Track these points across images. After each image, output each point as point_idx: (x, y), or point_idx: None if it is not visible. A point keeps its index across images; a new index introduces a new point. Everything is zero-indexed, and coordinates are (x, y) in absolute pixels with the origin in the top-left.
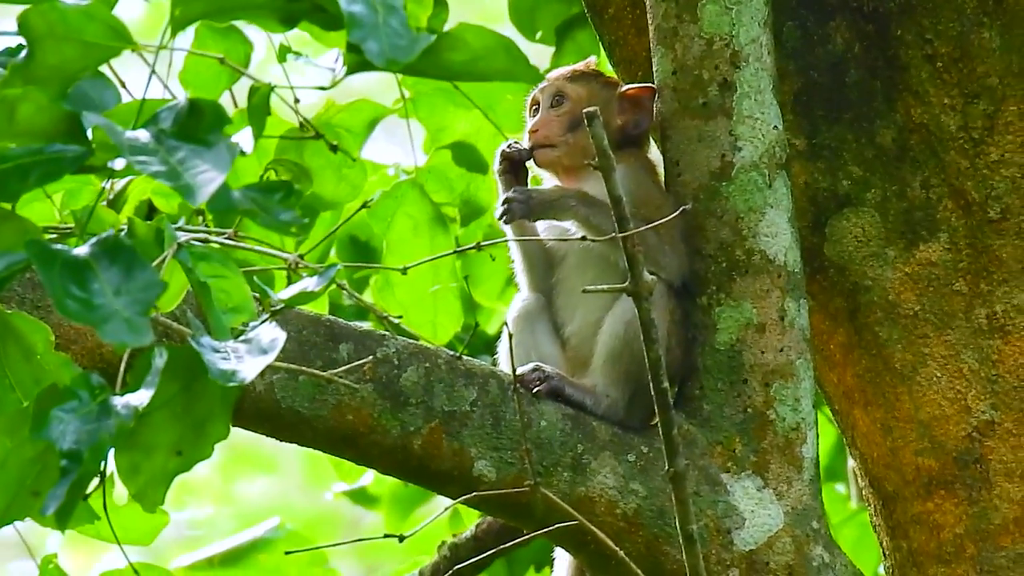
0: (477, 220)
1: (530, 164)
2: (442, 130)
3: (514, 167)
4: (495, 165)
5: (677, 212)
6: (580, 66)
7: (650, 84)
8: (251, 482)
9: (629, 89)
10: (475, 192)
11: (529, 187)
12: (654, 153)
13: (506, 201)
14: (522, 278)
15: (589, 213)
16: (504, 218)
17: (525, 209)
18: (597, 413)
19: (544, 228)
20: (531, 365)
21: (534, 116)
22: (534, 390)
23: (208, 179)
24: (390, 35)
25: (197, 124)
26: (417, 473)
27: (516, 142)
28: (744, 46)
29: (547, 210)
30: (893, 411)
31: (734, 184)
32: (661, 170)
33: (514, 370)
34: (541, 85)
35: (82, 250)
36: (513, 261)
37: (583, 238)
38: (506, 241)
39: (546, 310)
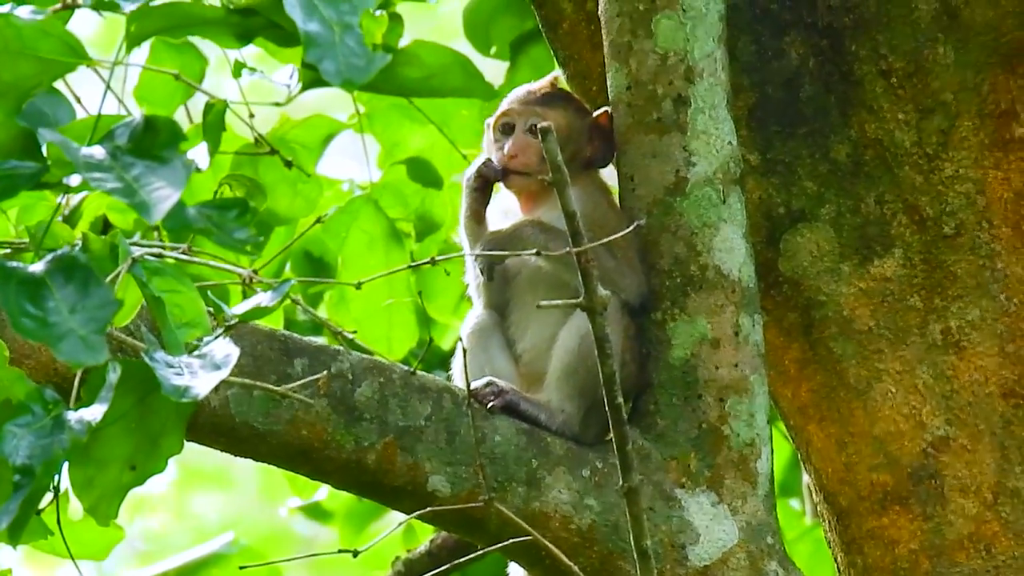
0: (432, 235)
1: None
2: (397, 145)
3: (486, 185)
4: (468, 180)
5: (631, 228)
6: (548, 86)
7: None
8: (205, 497)
9: (599, 116)
10: (430, 207)
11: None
12: (608, 172)
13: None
14: (476, 294)
15: (547, 240)
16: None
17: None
18: (551, 428)
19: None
20: (485, 380)
21: (505, 135)
22: (488, 405)
23: (163, 196)
24: (346, 54)
25: (152, 141)
26: (371, 488)
27: (491, 161)
28: (698, 61)
29: (507, 246)
30: (848, 426)
31: (688, 199)
32: (615, 189)
33: (468, 385)
34: (511, 105)
35: (37, 267)
36: (467, 274)
37: (537, 252)
38: (460, 256)
39: (500, 326)
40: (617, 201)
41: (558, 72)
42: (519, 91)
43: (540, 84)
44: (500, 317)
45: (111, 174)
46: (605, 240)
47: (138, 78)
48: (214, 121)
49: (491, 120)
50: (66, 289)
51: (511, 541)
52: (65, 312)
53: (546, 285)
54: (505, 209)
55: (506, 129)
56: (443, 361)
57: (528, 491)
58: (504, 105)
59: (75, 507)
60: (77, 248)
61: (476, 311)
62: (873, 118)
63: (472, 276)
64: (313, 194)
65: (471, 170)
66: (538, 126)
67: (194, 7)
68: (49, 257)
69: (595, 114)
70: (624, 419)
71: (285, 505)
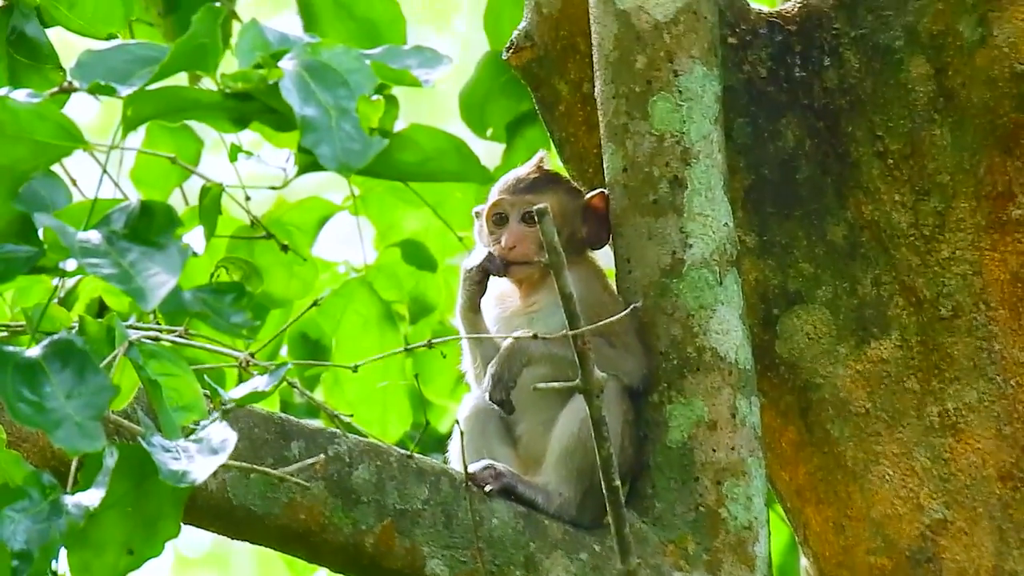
0: (426, 317)
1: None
2: (391, 228)
3: (485, 278)
4: (468, 273)
5: (627, 310)
6: (535, 169)
7: (603, 192)
8: None
9: (593, 198)
10: (424, 290)
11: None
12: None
13: (492, 383)
14: (473, 380)
15: (547, 349)
16: (493, 396)
17: (504, 387)
18: (549, 511)
19: (494, 325)
20: (483, 463)
21: (499, 226)
22: (486, 488)
23: (160, 283)
24: (343, 139)
25: (148, 226)
26: (369, 571)
27: (493, 256)
28: (695, 143)
29: (515, 367)
30: (845, 509)
31: (684, 281)
32: (610, 271)
33: (466, 468)
34: (502, 196)
35: (34, 352)
36: (463, 360)
37: (535, 336)
38: (457, 339)
39: (495, 411)
40: (613, 284)
41: (543, 153)
42: (508, 178)
43: (527, 168)
44: None
45: (107, 260)
46: (602, 323)
47: (134, 161)
48: (210, 204)
49: (482, 209)
50: (63, 374)
51: None
52: (62, 398)
53: (544, 369)
54: (501, 294)
55: (499, 220)
56: (439, 443)
57: (526, 574)
58: (494, 195)
59: None
60: (74, 332)
61: (473, 394)
62: (869, 199)
63: (469, 363)
64: (309, 276)
65: (471, 263)
66: (534, 208)
67: (190, 92)
68: (46, 341)
69: (589, 195)
70: (621, 502)
71: None
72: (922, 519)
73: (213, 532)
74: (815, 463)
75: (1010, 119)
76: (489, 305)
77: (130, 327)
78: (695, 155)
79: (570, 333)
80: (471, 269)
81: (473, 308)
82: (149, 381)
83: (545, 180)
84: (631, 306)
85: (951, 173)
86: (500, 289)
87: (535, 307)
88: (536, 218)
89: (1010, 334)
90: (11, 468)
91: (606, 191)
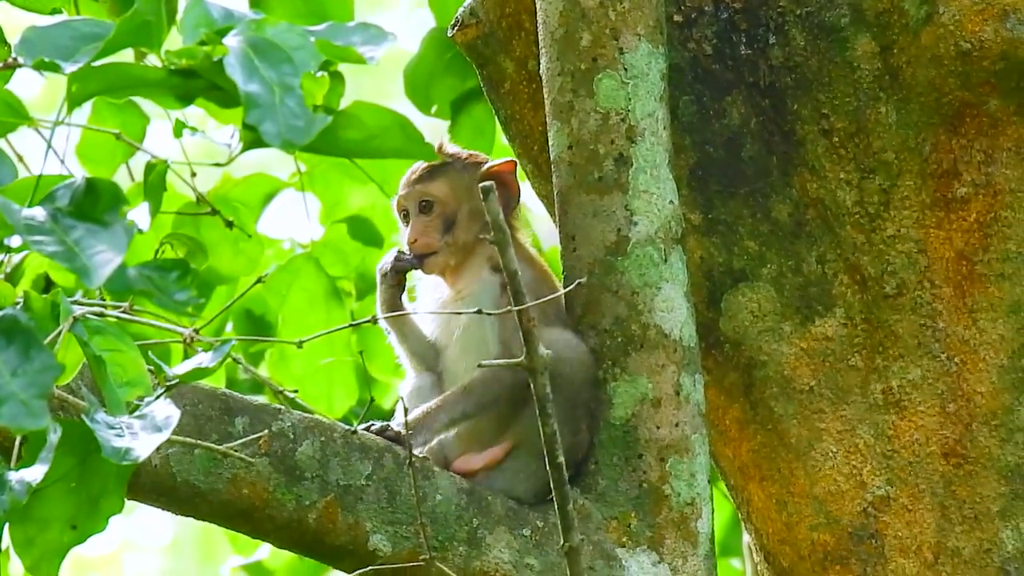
0: (373, 294)
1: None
2: (338, 204)
3: (400, 277)
4: (382, 275)
5: (572, 286)
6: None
7: (511, 158)
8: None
9: (491, 167)
10: (371, 266)
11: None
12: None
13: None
14: (407, 364)
15: (455, 411)
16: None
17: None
18: (492, 488)
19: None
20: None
21: (405, 222)
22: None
23: (105, 260)
24: (287, 116)
25: (94, 203)
26: (312, 547)
27: (403, 252)
28: (640, 120)
29: (432, 431)
30: (788, 486)
31: (629, 259)
32: (533, 251)
33: (409, 445)
34: (401, 191)
35: None
36: (396, 349)
37: (479, 310)
38: (403, 314)
39: (437, 388)
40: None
41: (444, 138)
42: (407, 172)
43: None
44: (437, 380)
45: (52, 237)
46: (548, 299)
47: (80, 137)
48: (155, 181)
49: (394, 204)
50: (7, 352)
51: None
52: (7, 375)
53: (476, 355)
54: (433, 283)
55: (405, 216)
56: (384, 420)
57: (469, 550)
58: (399, 191)
59: (16, 566)
60: (19, 308)
61: (411, 375)
62: (815, 178)
63: (398, 349)
64: (254, 253)
65: (385, 263)
66: (480, 186)
67: (135, 68)
68: None
69: (490, 164)
70: (565, 479)
71: (227, 564)
72: (865, 496)
73: (156, 507)
74: (759, 440)
75: (955, 97)
76: (424, 295)
77: (75, 303)
78: (640, 133)
79: (515, 309)
80: (385, 272)
81: (393, 308)
82: (94, 357)
83: (438, 167)
84: (576, 282)
85: (896, 151)
86: (433, 280)
87: (464, 292)
88: (483, 196)
89: (954, 312)
90: None
91: (509, 159)
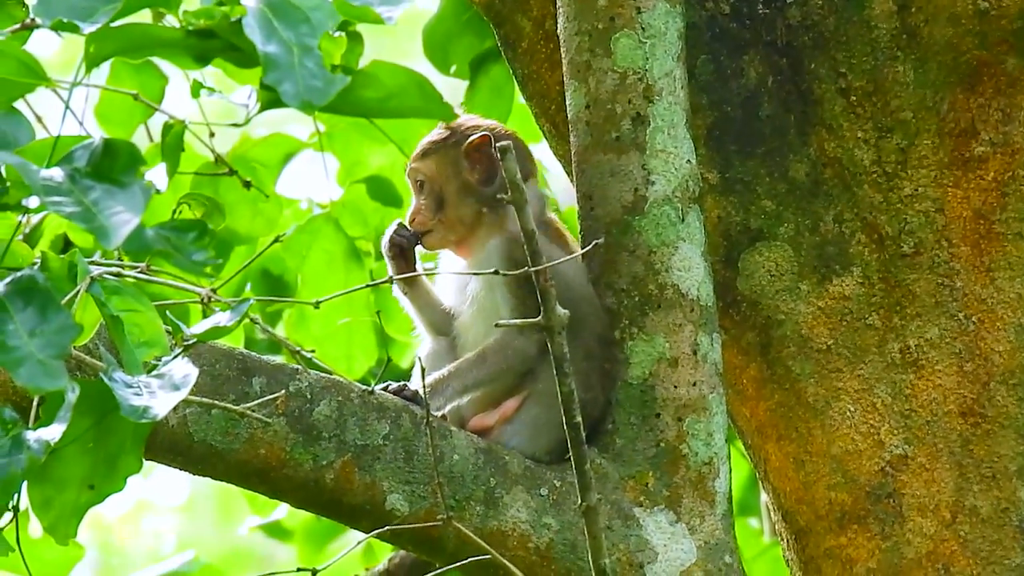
0: None
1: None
2: (357, 164)
3: (403, 252)
4: (384, 249)
5: (590, 246)
6: (432, 135)
7: (485, 132)
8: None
9: (471, 142)
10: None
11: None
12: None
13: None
14: (423, 331)
15: (468, 378)
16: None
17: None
18: (510, 447)
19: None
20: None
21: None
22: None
23: (122, 221)
24: (305, 76)
25: (112, 164)
26: (329, 507)
27: (403, 226)
28: (657, 80)
29: (445, 397)
30: (806, 445)
31: (647, 218)
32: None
33: (426, 404)
34: (407, 167)
35: None
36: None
37: (496, 272)
38: (421, 275)
39: (451, 352)
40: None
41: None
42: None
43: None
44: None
45: (70, 198)
46: (565, 259)
47: (98, 98)
48: (173, 141)
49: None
50: (25, 312)
51: (469, 560)
52: (24, 336)
53: (486, 320)
54: (452, 257)
55: (416, 190)
56: (402, 380)
57: (486, 510)
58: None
59: (35, 526)
60: (36, 268)
61: (427, 340)
62: (832, 137)
63: (414, 316)
64: (273, 213)
65: (386, 238)
66: (497, 146)
67: (153, 29)
68: (9, 279)
69: (466, 142)
70: (582, 438)
71: (244, 524)
72: (882, 455)
73: (174, 467)
74: (776, 399)
75: (973, 56)
76: (444, 268)
77: (92, 263)
78: (658, 92)
79: (532, 270)
80: (386, 246)
81: (403, 282)
82: (111, 317)
83: (431, 145)
84: (593, 243)
85: (914, 110)
86: (448, 252)
87: (472, 265)
88: (499, 155)
89: (972, 271)
90: None
91: (487, 133)
